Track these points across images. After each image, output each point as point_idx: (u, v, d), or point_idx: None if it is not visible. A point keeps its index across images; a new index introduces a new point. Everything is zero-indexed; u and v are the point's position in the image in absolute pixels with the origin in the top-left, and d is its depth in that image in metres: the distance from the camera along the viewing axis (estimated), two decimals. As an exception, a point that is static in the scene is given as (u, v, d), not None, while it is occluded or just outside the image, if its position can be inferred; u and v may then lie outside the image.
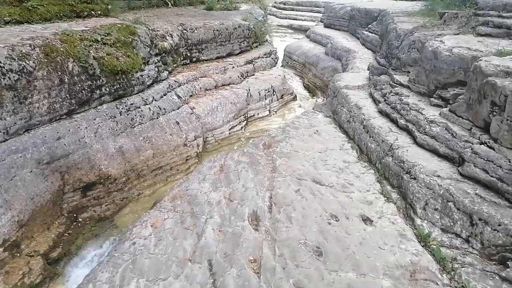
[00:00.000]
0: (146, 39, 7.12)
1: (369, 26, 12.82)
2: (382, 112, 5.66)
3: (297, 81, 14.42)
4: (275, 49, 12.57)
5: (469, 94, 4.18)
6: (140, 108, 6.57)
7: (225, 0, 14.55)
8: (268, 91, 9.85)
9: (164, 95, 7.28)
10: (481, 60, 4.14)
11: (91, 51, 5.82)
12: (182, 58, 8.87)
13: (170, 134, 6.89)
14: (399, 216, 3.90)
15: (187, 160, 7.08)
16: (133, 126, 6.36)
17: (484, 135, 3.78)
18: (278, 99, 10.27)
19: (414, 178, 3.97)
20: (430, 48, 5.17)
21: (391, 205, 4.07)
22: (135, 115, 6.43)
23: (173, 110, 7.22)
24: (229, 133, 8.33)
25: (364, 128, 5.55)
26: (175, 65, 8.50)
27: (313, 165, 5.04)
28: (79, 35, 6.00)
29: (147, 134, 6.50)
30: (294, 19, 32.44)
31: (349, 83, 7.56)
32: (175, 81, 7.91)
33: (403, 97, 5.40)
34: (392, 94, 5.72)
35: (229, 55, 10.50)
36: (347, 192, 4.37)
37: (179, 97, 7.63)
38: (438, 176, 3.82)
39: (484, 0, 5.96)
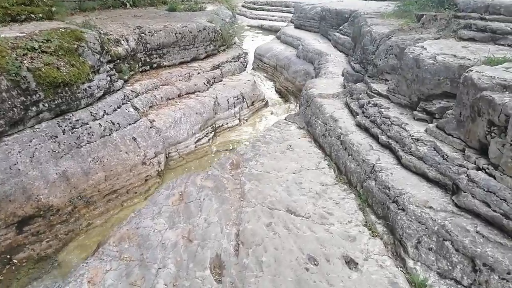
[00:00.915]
0: (95, 45, 6.27)
1: (341, 27, 12.40)
2: (360, 126, 5.13)
3: (268, 85, 13.82)
4: (244, 52, 11.91)
5: (459, 110, 3.69)
6: (88, 124, 5.72)
7: (189, 1, 13.75)
8: (238, 98, 9.18)
9: (118, 107, 6.45)
10: (471, 70, 3.66)
11: (24, 62, 4.94)
12: (140, 65, 8.04)
13: (126, 152, 6.08)
14: (388, 255, 3.34)
15: (146, 180, 6.29)
16: (79, 146, 5.51)
17: (481, 159, 3.28)
18: (248, 107, 9.62)
19: (403, 210, 3.42)
20: (410, 55, 4.68)
21: (378, 241, 3.51)
22: (82, 133, 5.59)
23: (129, 124, 6.41)
24: (195, 147, 7.59)
25: (341, 144, 4.99)
26: (132, 73, 7.67)
27: (287, 190, 4.42)
28: (11, 42, 5.11)
29: (97, 154, 5.67)
30: (264, 19, 31.88)
31: (323, 90, 7.01)
32: (131, 91, 7.09)
33: (383, 109, 4.88)
34: (370, 105, 5.19)
35: (194, 60, 9.74)
36: (326, 225, 3.77)
37: (136, 109, 6.82)
38: (431, 207, 3.29)
39: (464, 1, 5.56)
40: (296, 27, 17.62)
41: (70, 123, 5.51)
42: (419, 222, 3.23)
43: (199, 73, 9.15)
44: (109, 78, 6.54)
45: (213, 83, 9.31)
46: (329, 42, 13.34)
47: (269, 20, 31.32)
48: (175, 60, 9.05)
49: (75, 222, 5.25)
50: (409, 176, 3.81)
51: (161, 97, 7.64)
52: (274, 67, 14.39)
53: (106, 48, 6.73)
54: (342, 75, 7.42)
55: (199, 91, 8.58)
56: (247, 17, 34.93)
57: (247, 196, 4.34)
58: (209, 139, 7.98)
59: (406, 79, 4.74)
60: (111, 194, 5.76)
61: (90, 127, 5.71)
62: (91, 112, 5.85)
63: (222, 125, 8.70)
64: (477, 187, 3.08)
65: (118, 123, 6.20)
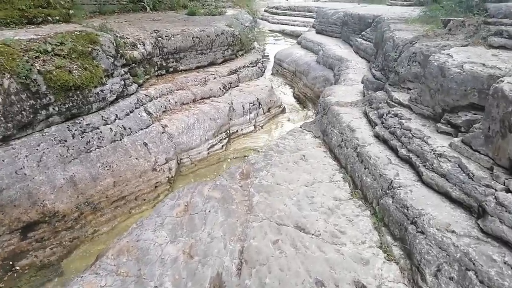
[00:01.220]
0: (110, 48, 6.23)
1: (363, 33, 12.05)
2: (379, 137, 4.82)
3: (287, 90, 13.59)
4: (262, 57, 11.73)
5: (488, 124, 3.35)
6: (99, 128, 5.65)
7: (210, 5, 13.74)
8: (253, 104, 8.99)
9: (131, 112, 6.38)
10: (502, 81, 3.31)
11: (35, 64, 4.91)
12: (156, 69, 7.98)
13: (136, 158, 5.98)
14: (404, 282, 3.04)
15: (156, 187, 6.17)
16: (89, 151, 5.44)
17: (511, 180, 2.93)
18: (264, 113, 9.41)
19: (422, 232, 3.11)
20: (435, 63, 4.34)
21: (393, 266, 3.20)
22: (92, 138, 5.52)
23: (141, 129, 6.32)
24: (208, 153, 7.43)
25: (358, 156, 4.69)
26: (147, 77, 7.61)
27: (297, 204, 4.17)
28: (24, 45, 5.10)
29: (106, 159, 5.59)
30: (286, 24, 31.73)
31: (341, 98, 6.72)
32: (145, 95, 7.01)
33: (403, 120, 4.55)
34: (390, 115, 4.88)
35: (211, 64, 9.63)
36: (337, 245, 3.50)
37: (149, 113, 6.73)
38: (453, 231, 2.97)
39: (496, 6, 5.17)
40: (318, 32, 17.33)
41: (80, 127, 5.46)
42: (439, 248, 2.91)
43: (215, 78, 9.02)
44: (123, 82, 6.48)
45: (229, 88, 9.16)
46: (350, 48, 13.00)
47: (291, 25, 31.14)
48: (192, 64, 8.96)
49: (81, 229, 5.16)
50: (430, 195, 3.49)
51: (175, 102, 7.54)
52: (293, 73, 14.15)
53: (121, 51, 6.69)
54: (362, 82, 7.10)
55: (214, 96, 8.44)
56: (269, 21, 34.89)
57: (255, 209, 4.11)
58: (222, 146, 7.81)
59: (429, 88, 4.41)
60: (119, 201, 5.66)
61: (101, 132, 5.64)
62: (102, 117, 5.79)
63: (237, 131, 8.52)
64: (506, 211, 2.74)
65: (129, 128, 6.11)
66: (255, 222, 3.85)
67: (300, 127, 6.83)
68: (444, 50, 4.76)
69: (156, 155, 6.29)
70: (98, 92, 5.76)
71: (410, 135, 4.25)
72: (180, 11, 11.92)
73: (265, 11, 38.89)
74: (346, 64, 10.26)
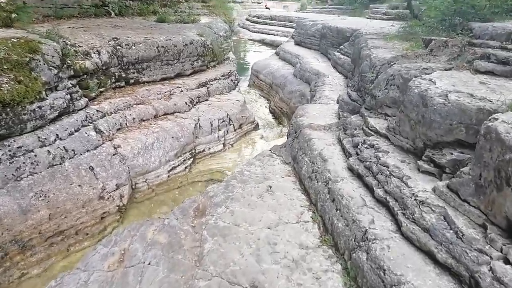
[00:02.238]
0: (53, 58, 5.44)
1: (341, 47, 11.64)
2: (353, 171, 4.24)
3: (262, 104, 13.03)
4: (236, 69, 11.10)
5: (479, 170, 2.80)
6: (33, 151, 4.84)
7: (183, 12, 13.05)
8: (223, 121, 8.32)
9: (76, 130, 5.59)
10: (496, 119, 2.79)
11: (-50, 77, 4.10)
12: (113, 80, 7.21)
13: (79, 185, 5.19)
14: None
15: (102, 218, 5.39)
16: (19, 179, 4.63)
17: (510, 247, 2.37)
18: (235, 130, 8.76)
19: (402, 308, 2.51)
20: (416, 90, 3.81)
21: None
22: (24, 163, 4.71)
23: (87, 151, 5.54)
24: (168, 176, 6.69)
25: (329, 193, 4.09)
26: (101, 89, 6.83)
27: (256, 254, 3.51)
28: None
29: (41, 187, 4.78)
30: (266, 33, 31.42)
31: (314, 119, 6.15)
32: (97, 110, 6.23)
33: (380, 153, 3.99)
34: (366, 146, 4.31)
35: (179, 76, 8.93)
36: (299, 314, 2.85)
37: (99, 132, 5.95)
38: (440, 311, 2.37)
39: (481, 26, 4.74)
40: (297, 43, 16.93)
41: (9, 150, 4.63)
42: (423, 333, 2.31)
43: (182, 91, 8.32)
44: (69, 96, 5.70)
45: (197, 102, 8.47)
46: (328, 61, 12.58)
47: (271, 34, 30.83)
48: (156, 76, 8.23)
49: (4, 273, 4.33)
50: (411, 254, 2.90)
51: (133, 118, 6.78)
52: (270, 85, 13.62)
53: (69, 61, 5.90)
54: (337, 102, 6.57)
55: (179, 112, 7.73)
56: (249, 30, 34.56)
57: (205, 260, 3.42)
58: (186, 167, 7.09)
59: (409, 118, 3.87)
60: (56, 236, 4.85)
61: (35, 155, 4.83)
62: (39, 137, 4.98)
63: (204, 150, 7.82)
64: (506, 291, 2.17)
65: (73, 150, 5.32)
66: (203, 280, 3.17)
67: (270, 150, 6.21)
68: (425, 74, 4.25)
69: (104, 180, 5.52)
70: (34, 109, 4.96)
71: (388, 172, 3.68)
72: (149, 17, 11.17)
73: (247, 19, 38.53)
74: (322, 80, 9.77)
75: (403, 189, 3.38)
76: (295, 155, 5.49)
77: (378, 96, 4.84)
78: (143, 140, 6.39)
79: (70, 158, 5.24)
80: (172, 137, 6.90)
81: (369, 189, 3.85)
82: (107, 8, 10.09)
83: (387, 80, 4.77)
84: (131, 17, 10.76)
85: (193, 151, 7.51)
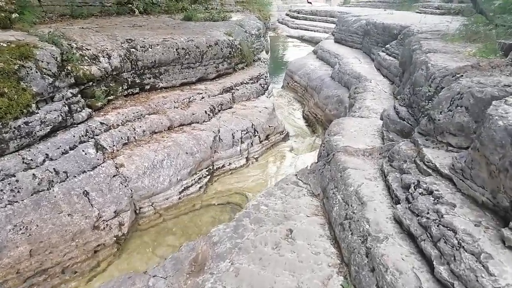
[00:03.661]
0: (49, 65, 4.77)
1: (387, 46, 10.24)
2: (402, 225, 3.12)
3: (296, 108, 11.94)
4: (266, 71, 10.08)
5: None
6: (14, 176, 4.17)
7: (214, 9, 12.24)
8: (247, 132, 7.38)
9: (72, 148, 4.88)
10: None
11: None
12: (125, 87, 6.48)
13: (69, 214, 4.48)
14: None
15: (96, 252, 4.66)
16: (-5, 208, 3.97)
17: None
18: (260, 141, 7.79)
19: None
20: (500, 122, 2.62)
21: None
22: (2, 190, 4.04)
23: (83, 172, 4.82)
24: (179, 198, 5.87)
25: (367, 256, 3.01)
26: (110, 98, 6.12)
27: None
28: None
29: (22, 219, 4.10)
30: (305, 29, 30.05)
31: (352, 140, 5.03)
32: (101, 122, 5.52)
33: (442, 207, 2.84)
34: (421, 191, 3.16)
35: (202, 80, 8.10)
36: None
37: (101, 148, 5.23)
38: None
39: None
40: (337, 41, 15.60)
41: (-15, 175, 3.99)
42: None
43: (203, 97, 7.46)
44: (66, 108, 5.02)
45: (219, 111, 7.58)
46: (372, 62, 11.21)
47: (311, 30, 29.45)
48: (175, 80, 7.44)
49: (-30, 322, 3.69)
50: None
51: (143, 131, 6.01)
52: (305, 88, 12.49)
53: (69, 67, 5.22)
54: (381, 118, 5.38)
55: (197, 122, 6.88)
56: (288, 26, 33.36)
57: None
58: (200, 187, 6.23)
59: (488, 161, 2.69)
60: (37, 276, 4.16)
61: (17, 181, 4.16)
62: (23, 159, 4.31)
63: (223, 166, 6.93)
64: None
65: (65, 172, 4.62)
66: None
67: (295, 175, 5.17)
68: (511, 94, 3.03)
69: (100, 207, 4.78)
70: (19, 126, 4.29)
71: (455, 241, 2.53)
72: (176, 15, 10.45)
73: (286, 14, 37.27)
74: (364, 85, 8.51)
75: (481, 275, 2.24)
76: (326, 186, 4.42)
77: (438, 120, 3.64)
78: (151, 157, 5.59)
79: (60, 182, 4.54)
80: (186, 153, 6.06)
81: (427, 259, 2.72)
82: (131, 6, 9.47)
83: (451, 99, 3.56)
84: (157, 15, 10.09)
85: (211, 167, 6.64)
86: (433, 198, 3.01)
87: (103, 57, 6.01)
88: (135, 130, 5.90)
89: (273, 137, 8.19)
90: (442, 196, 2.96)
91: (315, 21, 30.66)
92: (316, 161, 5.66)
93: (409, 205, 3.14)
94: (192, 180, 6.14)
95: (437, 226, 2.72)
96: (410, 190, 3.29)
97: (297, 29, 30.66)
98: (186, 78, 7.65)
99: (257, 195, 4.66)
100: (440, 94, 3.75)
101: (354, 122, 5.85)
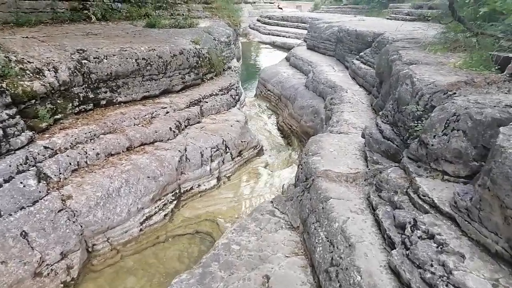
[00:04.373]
0: (-25, 83, 3.97)
1: (361, 54, 9.94)
2: (400, 277, 2.60)
3: (270, 118, 11.44)
4: (237, 81, 9.52)
5: None
6: None
7: (180, 15, 11.58)
8: (217, 149, 6.76)
9: (7, 181, 4.10)
10: None
11: None
12: (77, 103, 5.72)
13: (2, 261, 3.70)
14: None
15: (36, 306, 3.88)
16: None
17: None
18: (233, 158, 7.19)
19: None
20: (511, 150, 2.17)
21: None
22: None
23: (21, 209, 4.05)
24: (141, 230, 5.17)
25: (360, 319, 2.47)
26: (58, 116, 5.34)
27: None
28: None
29: None
30: (277, 35, 29.75)
31: (332, 162, 4.53)
32: (45, 147, 4.74)
33: (449, 259, 2.36)
34: (419, 234, 2.67)
35: (167, 93, 7.43)
36: None
37: (44, 178, 4.47)
38: None
39: None
40: (309, 48, 15.29)
41: None
42: None
43: (167, 112, 6.79)
44: (1, 132, 4.23)
45: (186, 126, 6.93)
46: (346, 70, 10.90)
47: (283, 36, 29.19)
48: (136, 94, 6.73)
49: None
50: None
51: (97, 154, 5.27)
52: (278, 97, 12.02)
53: (5, 85, 4.43)
54: (363, 136, 4.92)
55: (161, 140, 6.20)
56: (260, 32, 33.03)
57: None
58: (165, 215, 5.55)
59: (503, 203, 2.23)
60: None
61: None
62: None
63: (191, 188, 6.27)
64: None
65: (-5, 211, 3.83)
66: None
67: (271, 202, 4.61)
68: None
69: (43, 249, 4.02)
70: None
71: (470, 307, 2.04)
72: (139, 22, 9.69)
73: (258, 20, 36.92)
74: (340, 95, 8.11)
75: None
76: (306, 218, 3.89)
77: (432, 145, 3.19)
78: (106, 184, 4.87)
79: (-11, 224, 3.76)
80: (148, 177, 5.37)
81: (433, 325, 2.22)
82: (87, 12, 8.65)
83: (446, 121, 3.12)
84: (116, 22, 9.31)
85: (177, 191, 5.97)
86: (435, 245, 2.52)
87: (49, 70, 5.25)
88: (86, 153, 5.15)
89: (246, 152, 7.61)
90: (447, 243, 2.47)
91: (287, 27, 30.46)
92: (294, 183, 5.13)
93: (407, 252, 2.64)
94: (155, 208, 5.45)
95: (446, 285, 2.22)
96: (406, 231, 2.79)
97: (268, 35, 30.36)
98: (149, 91, 6.95)
99: (228, 231, 4.05)
100: (432, 115, 3.30)
101: (333, 139, 5.37)
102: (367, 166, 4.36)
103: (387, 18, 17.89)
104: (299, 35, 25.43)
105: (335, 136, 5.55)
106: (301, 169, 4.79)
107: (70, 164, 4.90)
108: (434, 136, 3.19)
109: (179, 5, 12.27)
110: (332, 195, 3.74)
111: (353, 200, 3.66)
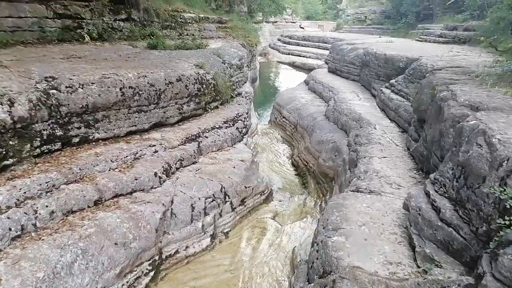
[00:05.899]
0: None
1: (392, 81, 8.57)
2: None
3: (284, 150, 10.10)
4: (247, 109, 8.29)
5: None
6: None
7: (190, 35, 10.58)
8: (214, 199, 5.49)
9: None
10: None
11: None
12: (38, 144, 4.59)
13: None
14: None
15: None
16: None
17: None
18: (233, 209, 5.88)
19: None
20: None
21: None
22: None
23: None
24: (100, 317, 3.88)
25: None
26: (8, 162, 4.21)
27: None
28: None
29: None
30: (298, 55, 28.76)
31: (361, 249, 3.14)
32: (-23, 208, 3.57)
33: None
34: None
35: (159, 126, 6.26)
36: None
37: (-37, 255, 3.26)
38: None
39: None
40: (331, 70, 14.03)
41: None
42: None
43: (155, 151, 5.59)
44: None
45: (177, 169, 5.69)
46: (373, 99, 9.53)
47: (303, 56, 28.17)
48: (119, 129, 5.59)
49: None
50: None
51: (51, 212, 4.07)
52: (294, 126, 10.71)
53: None
54: (404, 207, 3.52)
55: (142, 190, 4.97)
56: (279, 51, 32.21)
57: None
58: (138, 292, 4.26)
59: None
60: None
61: None
62: None
63: (177, 251, 4.98)
64: None
65: None
66: None
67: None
68: None
69: None
70: None
71: None
72: (140, 42, 8.68)
73: (278, 39, 36.17)
74: (367, 132, 6.71)
75: None
76: None
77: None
78: (53, 259, 3.64)
79: None
80: (116, 244, 4.13)
81: None
82: (81, 31, 7.69)
83: None
84: (115, 42, 8.31)
85: (156, 257, 4.68)
86: None
87: (1, 104, 4.15)
88: (36, 212, 3.96)
89: (251, 200, 6.29)
90: None
91: (308, 46, 29.46)
92: (306, 275, 3.74)
93: None
94: (123, 286, 4.16)
95: None
96: None
97: (288, 54, 29.43)
98: (135, 125, 5.81)
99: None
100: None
101: (362, 203, 3.98)
102: (415, 261, 2.95)
103: (417, 40, 16.48)
104: (320, 55, 24.31)
105: (364, 199, 4.15)
106: (317, 251, 3.41)
107: (10, 229, 3.70)
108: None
109: (189, 24, 11.30)
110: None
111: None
